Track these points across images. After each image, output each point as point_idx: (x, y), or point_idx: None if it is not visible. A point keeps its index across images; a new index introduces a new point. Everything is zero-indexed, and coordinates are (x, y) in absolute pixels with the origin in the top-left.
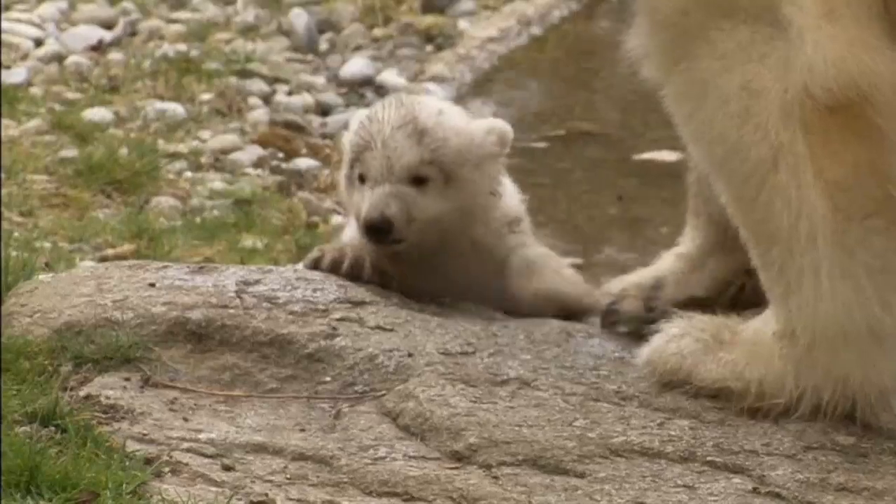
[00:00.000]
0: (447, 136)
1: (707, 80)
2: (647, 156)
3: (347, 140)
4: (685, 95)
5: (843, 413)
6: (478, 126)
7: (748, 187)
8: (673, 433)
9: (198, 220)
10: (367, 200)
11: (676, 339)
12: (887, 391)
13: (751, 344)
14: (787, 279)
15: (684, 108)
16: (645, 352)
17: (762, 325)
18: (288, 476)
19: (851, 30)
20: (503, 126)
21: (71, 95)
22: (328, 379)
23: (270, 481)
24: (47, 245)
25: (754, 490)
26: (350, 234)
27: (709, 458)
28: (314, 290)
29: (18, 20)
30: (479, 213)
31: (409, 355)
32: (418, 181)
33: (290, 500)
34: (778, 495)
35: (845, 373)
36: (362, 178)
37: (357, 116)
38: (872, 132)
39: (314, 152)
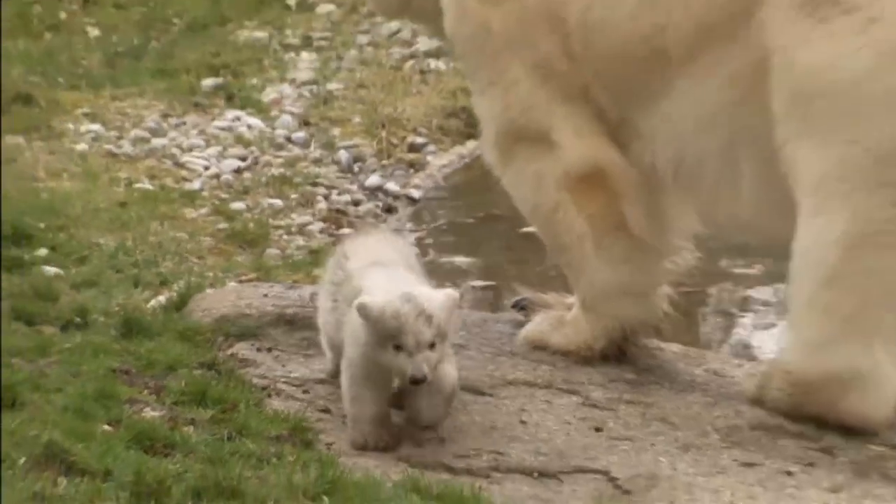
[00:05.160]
0: (441, 315)
1: (520, 171)
2: None
3: (380, 321)
4: (512, 182)
5: (625, 338)
6: (443, 297)
7: (547, 224)
8: (539, 372)
9: (290, 261)
10: (411, 365)
11: (539, 323)
12: (646, 324)
13: (573, 322)
14: (576, 271)
15: (514, 191)
16: (522, 332)
17: (575, 309)
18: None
19: (590, 139)
20: (452, 294)
21: (223, 195)
22: None
23: (329, 399)
24: (210, 274)
25: (583, 403)
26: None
27: (558, 386)
28: None
29: (198, 156)
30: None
31: None
32: (431, 346)
33: (339, 408)
34: (595, 405)
35: (621, 314)
36: (398, 347)
37: (386, 301)
38: (608, 189)
39: (350, 225)
